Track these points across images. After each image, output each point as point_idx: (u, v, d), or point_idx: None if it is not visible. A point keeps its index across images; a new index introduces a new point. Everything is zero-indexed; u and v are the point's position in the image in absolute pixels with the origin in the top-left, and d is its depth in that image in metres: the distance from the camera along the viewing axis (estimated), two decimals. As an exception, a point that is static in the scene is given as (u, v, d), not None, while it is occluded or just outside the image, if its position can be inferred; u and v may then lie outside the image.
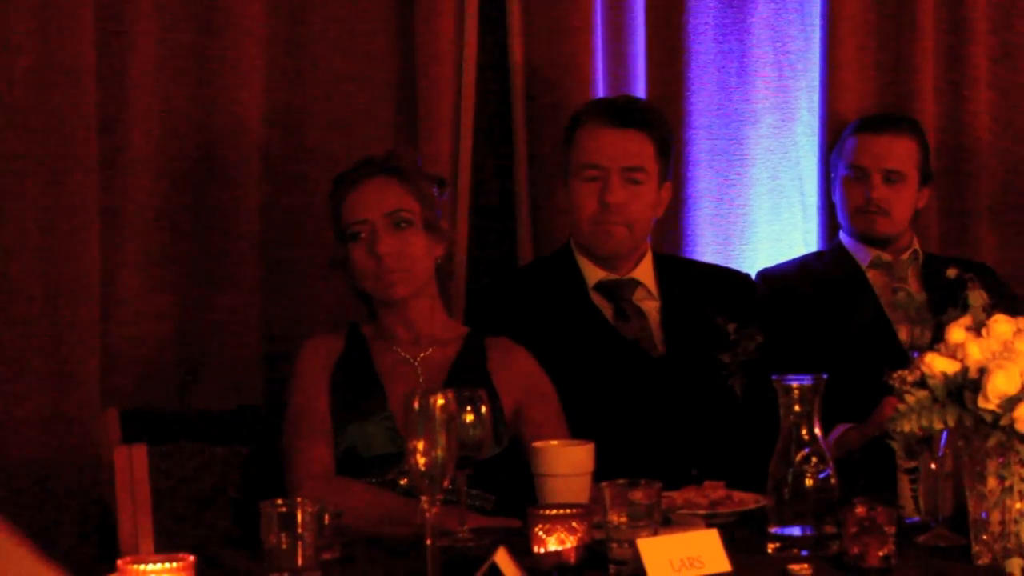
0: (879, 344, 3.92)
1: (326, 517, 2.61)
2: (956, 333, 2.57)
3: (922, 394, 2.51)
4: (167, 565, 2.21)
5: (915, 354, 2.66)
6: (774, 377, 2.69)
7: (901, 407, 2.51)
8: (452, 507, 2.79)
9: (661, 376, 3.56)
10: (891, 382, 2.59)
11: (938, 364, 2.54)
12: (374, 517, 3.02)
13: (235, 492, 3.52)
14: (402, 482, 3.15)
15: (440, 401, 2.47)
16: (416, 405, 2.47)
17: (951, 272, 2.73)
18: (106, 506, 3.13)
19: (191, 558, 2.25)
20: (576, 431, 3.18)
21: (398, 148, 3.57)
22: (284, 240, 3.93)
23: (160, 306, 3.84)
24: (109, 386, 3.77)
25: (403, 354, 3.31)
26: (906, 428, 2.49)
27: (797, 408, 2.65)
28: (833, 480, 2.65)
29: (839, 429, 3.68)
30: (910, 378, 2.54)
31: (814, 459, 2.65)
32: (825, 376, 2.67)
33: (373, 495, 3.11)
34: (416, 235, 3.29)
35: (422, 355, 3.31)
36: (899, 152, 4.06)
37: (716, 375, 3.57)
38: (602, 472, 2.81)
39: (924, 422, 2.49)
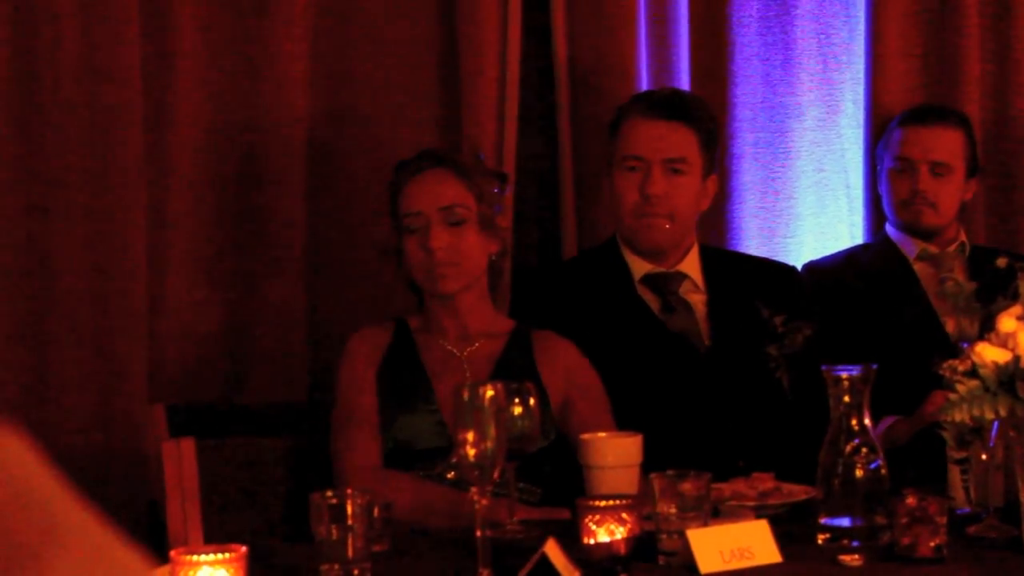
0: (926, 336, 3.90)
1: (376, 509, 2.62)
2: (1007, 322, 2.56)
3: (973, 383, 2.50)
4: (220, 555, 2.22)
5: (964, 345, 2.65)
6: (824, 367, 2.68)
7: (952, 397, 2.50)
8: (501, 499, 2.79)
9: (708, 369, 3.56)
10: (941, 372, 2.58)
11: (989, 353, 2.53)
12: (421, 509, 3.02)
13: (282, 485, 3.53)
14: (449, 475, 3.16)
15: (490, 392, 2.48)
16: (466, 396, 2.47)
17: (1001, 261, 2.72)
18: (154, 501, 3.14)
19: (243, 548, 2.26)
20: (623, 424, 3.18)
21: (461, 141, 3.57)
22: (329, 234, 3.94)
23: (206, 301, 3.85)
24: (155, 381, 3.78)
25: (450, 348, 3.32)
26: (957, 418, 2.48)
27: (847, 399, 2.65)
28: (883, 470, 2.64)
29: (886, 422, 3.67)
30: (961, 367, 2.53)
31: (864, 449, 2.64)
32: (875, 366, 2.66)
33: (420, 487, 3.12)
34: (470, 231, 3.29)
35: (469, 349, 3.32)
36: (946, 144, 4.05)
37: (763, 368, 3.56)
38: (648, 465, 2.81)
39: (975, 412, 2.48)
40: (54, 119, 3.66)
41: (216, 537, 2.68)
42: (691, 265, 3.68)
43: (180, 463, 3.38)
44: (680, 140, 3.63)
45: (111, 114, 3.69)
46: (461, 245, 3.27)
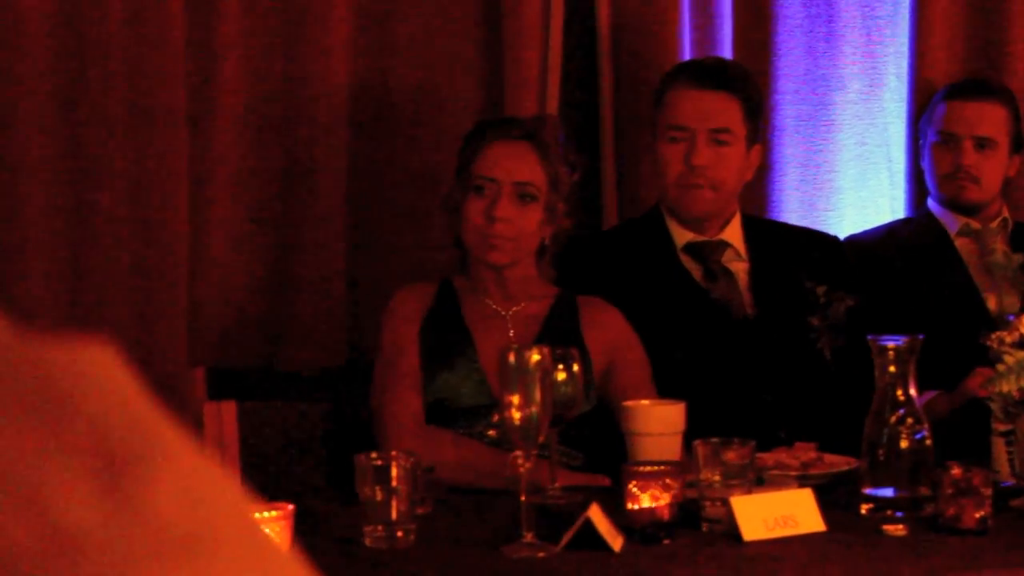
0: (967, 312, 3.88)
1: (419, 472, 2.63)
2: (1056, 295, 2.55)
3: (1021, 355, 2.49)
4: (268, 514, 2.23)
5: (1011, 317, 2.64)
6: (869, 337, 2.67)
7: (1000, 368, 2.49)
8: (543, 463, 2.79)
9: (749, 337, 3.55)
10: (988, 343, 2.58)
11: (1037, 326, 2.52)
12: (462, 468, 3.03)
13: (321, 449, 3.54)
14: (490, 433, 3.16)
15: (536, 356, 2.48)
16: (512, 360, 2.48)
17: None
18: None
19: (290, 507, 2.27)
20: (665, 391, 3.18)
21: (548, 117, 3.56)
22: (370, 201, 3.94)
23: (246, 266, 3.86)
24: (195, 345, 3.79)
25: (495, 307, 3.32)
26: (1004, 389, 2.48)
27: (892, 369, 2.64)
28: (928, 441, 2.64)
29: (926, 396, 3.66)
30: (1008, 339, 2.53)
31: (909, 420, 2.64)
32: (921, 337, 2.65)
33: (463, 446, 3.12)
34: (535, 212, 3.28)
35: (514, 309, 3.32)
36: (990, 119, 4.03)
37: (805, 337, 3.55)
38: (689, 433, 2.81)
39: (1023, 383, 2.47)
40: (95, 77, 3.67)
41: (256, 499, 2.69)
42: (733, 234, 3.68)
43: (221, 425, 3.40)
44: (725, 110, 3.62)
45: (153, 76, 3.69)
46: (523, 222, 3.27)
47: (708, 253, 3.64)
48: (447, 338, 3.27)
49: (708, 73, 3.65)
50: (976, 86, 4.10)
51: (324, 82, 3.87)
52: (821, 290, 3.56)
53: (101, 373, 0.56)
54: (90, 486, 0.51)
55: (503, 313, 3.31)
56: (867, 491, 2.65)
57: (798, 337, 3.55)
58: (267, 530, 0.59)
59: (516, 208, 3.27)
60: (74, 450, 0.51)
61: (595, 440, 3.23)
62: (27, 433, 0.51)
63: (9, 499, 0.49)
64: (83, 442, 0.52)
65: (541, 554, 2.42)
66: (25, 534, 0.48)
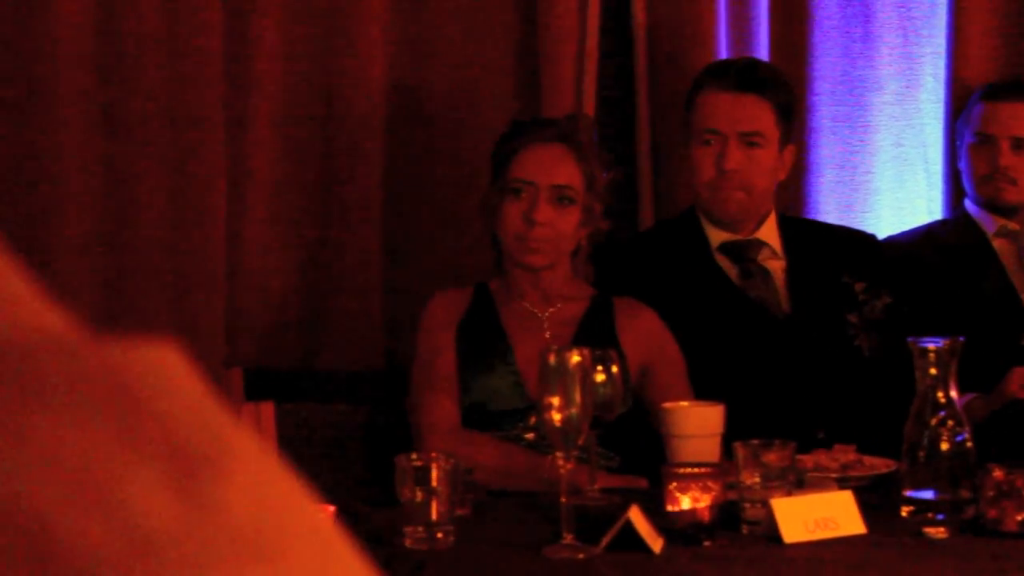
0: (1004, 313, 3.87)
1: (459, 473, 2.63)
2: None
3: (1063, 357, 2.48)
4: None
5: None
6: (910, 339, 2.66)
7: (1042, 370, 2.48)
8: (582, 465, 2.79)
9: (787, 336, 3.54)
10: (1030, 345, 2.56)
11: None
12: (500, 471, 3.03)
13: (358, 451, 3.55)
14: (527, 436, 3.16)
15: (576, 358, 2.48)
16: (552, 361, 2.47)
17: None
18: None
19: (332, 508, 2.27)
20: (702, 392, 3.17)
21: (582, 117, 3.55)
22: (406, 204, 3.94)
23: (283, 266, 3.87)
24: (233, 346, 3.80)
25: (531, 309, 3.32)
26: (1047, 391, 2.46)
27: (933, 371, 2.63)
28: (969, 443, 2.62)
29: (964, 399, 3.64)
30: (1050, 341, 2.51)
31: (950, 422, 2.63)
32: (962, 339, 2.64)
33: (499, 449, 3.12)
34: (573, 214, 3.28)
35: (550, 310, 3.32)
36: (1029, 119, 4.01)
37: (843, 335, 3.54)
38: (727, 434, 2.81)
39: (1065, 385, 2.46)
40: (133, 76, 3.68)
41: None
42: (769, 232, 3.67)
43: (259, 426, 3.41)
44: (755, 113, 3.61)
45: (190, 74, 3.71)
46: (561, 225, 3.27)
47: (744, 252, 3.64)
48: (483, 341, 3.27)
49: (739, 75, 3.64)
50: (1014, 87, 4.08)
51: (360, 86, 3.88)
52: (860, 286, 3.54)
53: (170, 374, 0.56)
54: (165, 487, 0.51)
55: (539, 315, 3.31)
56: (908, 493, 2.64)
57: (836, 335, 3.54)
58: (336, 531, 0.59)
59: (554, 211, 3.27)
60: (148, 451, 0.51)
61: (631, 442, 3.22)
62: (102, 435, 0.51)
63: (87, 500, 0.49)
64: (156, 443, 0.52)
65: (581, 555, 2.42)
66: (103, 535, 0.48)
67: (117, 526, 0.49)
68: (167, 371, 0.56)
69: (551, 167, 3.28)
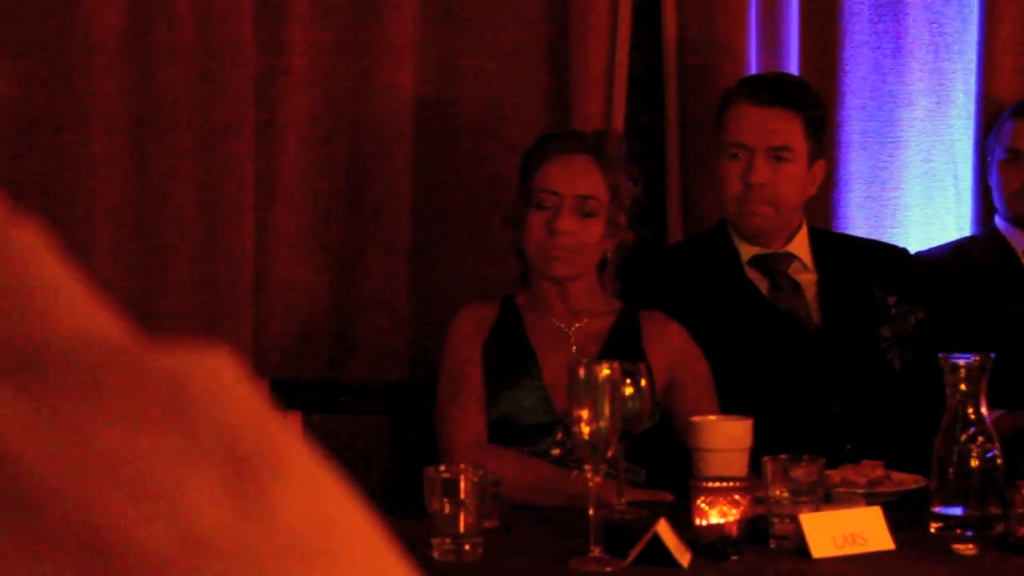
0: (1034, 330, 3.86)
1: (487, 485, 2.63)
2: None
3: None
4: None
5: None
6: (940, 355, 2.66)
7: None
8: (609, 479, 2.79)
9: (818, 349, 3.53)
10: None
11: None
12: (526, 486, 3.03)
13: (383, 462, 3.55)
14: (554, 452, 3.16)
15: (605, 371, 2.48)
16: (581, 374, 2.47)
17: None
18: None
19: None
20: (731, 406, 3.17)
21: (609, 131, 3.56)
22: (434, 215, 3.95)
23: (311, 277, 3.88)
24: (260, 356, 3.81)
25: (557, 324, 3.32)
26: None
27: (963, 387, 2.63)
28: (999, 460, 2.62)
29: (993, 415, 3.63)
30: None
31: (980, 438, 2.62)
32: (993, 355, 2.64)
33: (526, 464, 3.12)
34: (597, 224, 3.29)
35: (577, 325, 3.32)
36: (1059, 136, 4.00)
37: (874, 349, 3.53)
38: (756, 447, 2.80)
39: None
40: (165, 88, 3.70)
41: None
42: (800, 246, 3.67)
43: (286, 436, 3.41)
44: (784, 128, 3.61)
45: (221, 87, 3.72)
46: (585, 235, 3.27)
47: (774, 266, 3.63)
48: (510, 356, 3.27)
49: (768, 89, 3.63)
50: (1045, 103, 4.07)
51: (389, 97, 3.89)
52: (892, 300, 3.54)
53: (226, 381, 0.57)
54: (220, 490, 0.51)
55: (566, 330, 3.31)
56: (937, 509, 2.64)
57: (867, 349, 3.53)
58: (386, 536, 0.60)
59: (578, 221, 3.27)
60: (204, 454, 0.52)
61: (657, 456, 3.22)
62: (159, 438, 0.52)
63: (147, 502, 0.49)
64: (212, 447, 0.53)
65: (608, 568, 2.42)
66: (162, 535, 0.49)
67: (175, 527, 0.49)
68: (223, 378, 0.57)
69: (575, 177, 3.28)
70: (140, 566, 0.48)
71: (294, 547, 0.53)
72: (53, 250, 0.58)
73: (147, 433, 0.51)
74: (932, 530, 2.63)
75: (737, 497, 2.49)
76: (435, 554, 2.48)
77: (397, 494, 3.46)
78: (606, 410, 2.47)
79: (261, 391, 0.62)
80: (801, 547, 2.49)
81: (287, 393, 3.67)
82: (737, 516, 2.49)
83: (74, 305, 0.56)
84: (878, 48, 4.23)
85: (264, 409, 0.60)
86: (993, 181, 4.08)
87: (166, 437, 0.52)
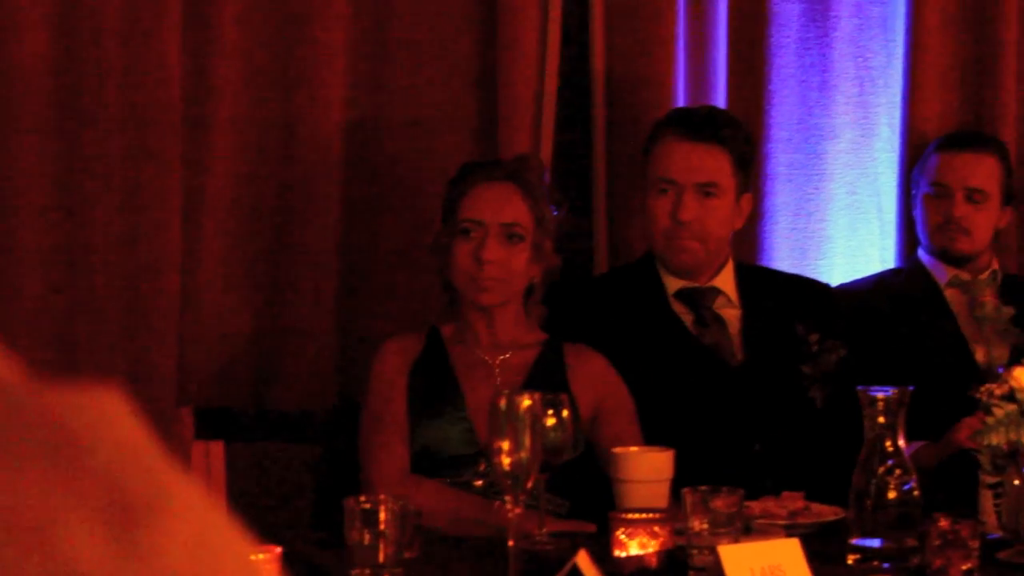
0: (955, 363, 3.89)
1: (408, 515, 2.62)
2: (1045, 348, 2.56)
3: (1010, 407, 2.50)
4: (256, 556, 2.22)
5: (1001, 369, 2.65)
6: (859, 388, 2.68)
7: (989, 420, 2.50)
8: (530, 510, 2.79)
9: (739, 384, 3.55)
10: (978, 396, 2.58)
11: (1026, 379, 2.53)
12: (448, 517, 3.03)
13: (309, 491, 3.54)
14: (476, 483, 3.16)
15: (526, 402, 2.48)
16: (503, 405, 2.48)
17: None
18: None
19: (278, 549, 2.26)
20: (653, 438, 3.18)
21: (530, 157, 3.57)
22: (362, 241, 3.94)
23: (237, 305, 3.86)
24: (184, 383, 3.79)
25: (482, 356, 3.33)
26: (994, 441, 2.48)
27: (881, 420, 2.65)
28: (916, 492, 2.64)
29: (913, 446, 3.66)
30: (998, 391, 2.53)
31: (898, 471, 2.64)
32: (911, 388, 2.66)
33: (448, 495, 3.13)
34: (523, 252, 3.30)
35: (501, 358, 3.32)
36: (982, 171, 4.04)
37: (795, 385, 3.55)
38: (677, 480, 2.81)
39: (1012, 436, 2.48)
40: (91, 117, 3.68)
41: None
42: (725, 280, 3.68)
43: (208, 465, 3.40)
44: (712, 164, 3.62)
45: (149, 115, 3.70)
46: (512, 263, 3.28)
47: (699, 300, 3.65)
48: (434, 387, 3.28)
49: (697, 125, 3.64)
50: (968, 138, 4.12)
51: (317, 123, 3.88)
52: (814, 338, 3.56)
53: (112, 420, 0.57)
54: (101, 532, 0.51)
55: (490, 362, 3.32)
56: (854, 541, 2.65)
57: (789, 385, 3.55)
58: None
59: (504, 249, 3.28)
60: (85, 496, 0.52)
61: (580, 487, 3.22)
62: (39, 478, 0.52)
63: (21, 540, 0.49)
64: (94, 489, 0.53)
65: (528, 600, 2.42)
66: (37, 574, 0.49)
67: (51, 567, 0.49)
68: (109, 419, 0.57)
69: (499, 205, 3.30)
70: None
71: (176, 586, 0.53)
72: None
73: (28, 474, 0.51)
74: (850, 562, 2.65)
75: (656, 529, 2.50)
76: (354, 585, 2.47)
77: (323, 525, 3.44)
78: (527, 441, 2.48)
79: (152, 430, 0.62)
80: (720, 579, 2.50)
81: (211, 422, 3.66)
82: (656, 547, 2.50)
83: None
84: (804, 81, 4.27)
85: (153, 451, 0.60)
86: (917, 214, 4.12)
87: (48, 479, 0.52)
